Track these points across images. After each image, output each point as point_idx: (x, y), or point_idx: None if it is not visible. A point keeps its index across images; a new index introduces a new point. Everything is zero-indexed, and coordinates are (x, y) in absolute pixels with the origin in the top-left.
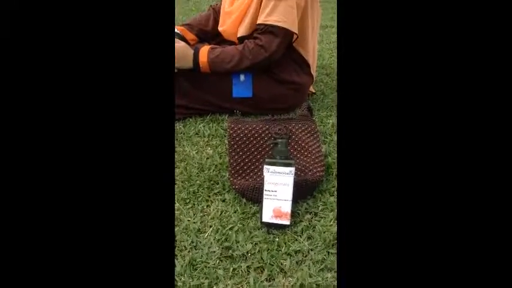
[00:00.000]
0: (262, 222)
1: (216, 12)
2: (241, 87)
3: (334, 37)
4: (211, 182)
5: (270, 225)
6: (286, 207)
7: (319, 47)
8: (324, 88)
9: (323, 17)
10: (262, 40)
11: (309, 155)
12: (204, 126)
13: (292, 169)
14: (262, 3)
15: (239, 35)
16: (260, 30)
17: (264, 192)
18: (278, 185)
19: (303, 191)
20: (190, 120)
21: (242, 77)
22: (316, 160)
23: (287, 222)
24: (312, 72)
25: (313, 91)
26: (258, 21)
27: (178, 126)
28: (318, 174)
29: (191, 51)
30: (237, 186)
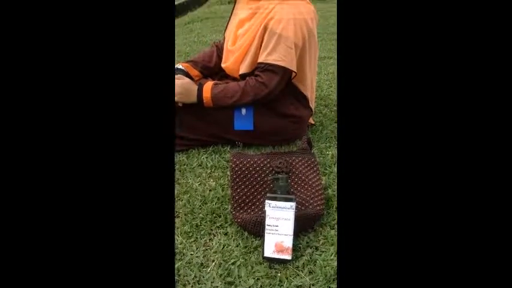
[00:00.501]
0: (264, 257)
1: (219, 49)
2: (243, 121)
3: (332, 68)
4: (214, 215)
5: (271, 260)
6: (288, 242)
7: (318, 78)
8: (323, 119)
9: (321, 48)
10: (263, 78)
11: (309, 189)
12: (206, 157)
13: (293, 204)
14: (263, 44)
15: (241, 71)
16: (261, 68)
17: (266, 227)
18: (279, 220)
19: (303, 225)
20: (193, 151)
21: (244, 111)
22: (317, 194)
23: (288, 257)
24: (310, 105)
25: (313, 122)
26: (259, 60)
27: (182, 157)
28: (318, 208)
29: (195, 87)
30: (239, 220)
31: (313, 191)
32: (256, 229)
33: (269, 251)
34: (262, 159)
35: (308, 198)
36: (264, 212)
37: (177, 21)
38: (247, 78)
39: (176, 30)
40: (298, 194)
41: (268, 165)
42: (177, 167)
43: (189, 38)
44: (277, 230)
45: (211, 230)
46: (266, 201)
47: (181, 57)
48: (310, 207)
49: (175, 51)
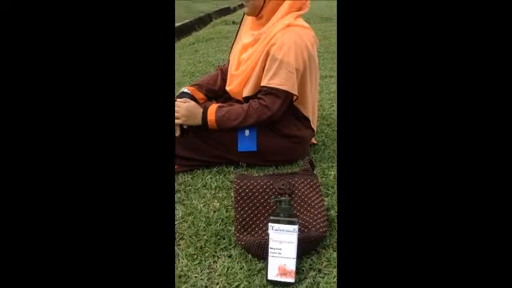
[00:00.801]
0: (267, 280)
1: (223, 73)
2: (246, 142)
3: (334, 87)
4: (218, 237)
5: (275, 283)
6: (291, 265)
7: (319, 97)
8: (325, 139)
9: (323, 67)
10: (266, 101)
11: (312, 210)
12: (211, 178)
13: (296, 227)
14: (266, 68)
15: (244, 94)
16: (264, 92)
17: (269, 250)
18: (282, 243)
19: (307, 247)
20: (198, 172)
21: (247, 132)
22: (319, 215)
23: (292, 280)
24: (312, 126)
25: (315, 142)
26: (262, 84)
27: (186, 178)
28: (321, 230)
29: (200, 110)
30: (243, 243)
31: (316, 212)
32: (260, 252)
33: (272, 274)
34: (265, 180)
35: (311, 220)
36: (268, 235)
37: (182, 41)
38: (251, 101)
39: (181, 50)
40: (301, 216)
41: (271, 186)
42: (181, 187)
43: (194, 58)
44: (280, 253)
45: (216, 252)
46: (269, 224)
47: (187, 77)
48: (313, 229)
49: (181, 72)
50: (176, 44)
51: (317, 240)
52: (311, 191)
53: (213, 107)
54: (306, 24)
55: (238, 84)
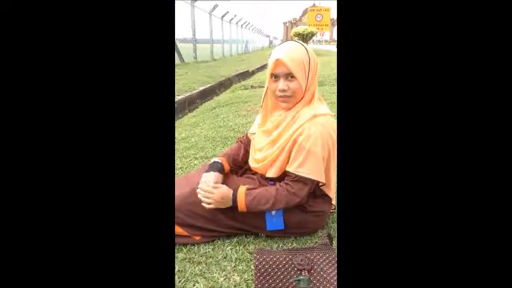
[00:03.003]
0: None
1: (244, 144)
2: (274, 222)
3: None
4: None
5: None
6: None
7: None
8: None
9: None
10: (294, 188)
11: (331, 287)
12: (231, 249)
13: None
14: (293, 156)
15: (268, 175)
16: (291, 178)
17: None
18: None
19: None
20: (219, 242)
21: (273, 212)
22: None
23: None
24: (333, 202)
25: (333, 209)
26: (290, 170)
27: (208, 249)
28: None
29: (230, 193)
30: None
31: None
32: None
33: None
34: (284, 255)
35: None
36: None
37: (205, 105)
38: (278, 186)
39: (204, 114)
40: None
41: (290, 262)
42: (203, 259)
43: (215, 122)
44: None
45: None
46: None
47: (209, 141)
48: None
49: (204, 136)
50: (199, 108)
51: None
52: (330, 266)
53: (241, 191)
54: (328, 110)
55: (263, 166)
